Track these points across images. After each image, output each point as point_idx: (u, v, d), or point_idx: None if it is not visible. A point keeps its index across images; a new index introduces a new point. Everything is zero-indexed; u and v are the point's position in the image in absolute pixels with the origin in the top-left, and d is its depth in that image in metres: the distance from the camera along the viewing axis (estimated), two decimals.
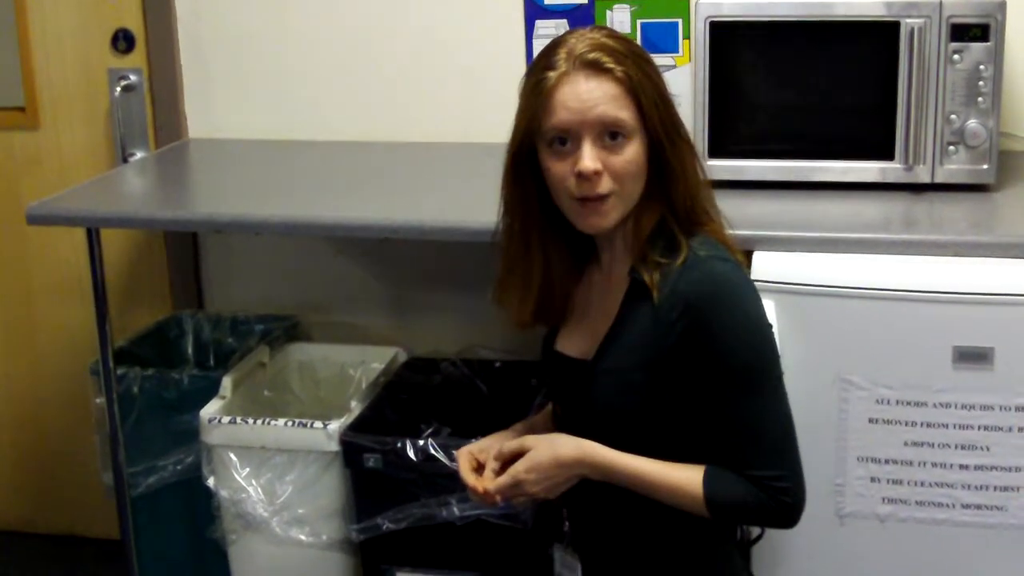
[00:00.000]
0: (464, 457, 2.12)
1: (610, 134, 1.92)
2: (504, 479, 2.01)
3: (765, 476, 1.92)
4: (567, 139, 1.93)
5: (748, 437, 1.93)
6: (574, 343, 2.10)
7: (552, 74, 1.92)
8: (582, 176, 1.91)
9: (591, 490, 2.02)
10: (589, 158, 1.91)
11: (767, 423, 1.94)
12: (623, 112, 1.92)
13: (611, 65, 1.92)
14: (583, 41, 1.94)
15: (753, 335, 1.94)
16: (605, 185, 1.92)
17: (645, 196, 1.98)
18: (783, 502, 1.92)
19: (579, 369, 2.05)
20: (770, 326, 1.98)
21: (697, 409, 1.95)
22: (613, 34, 1.98)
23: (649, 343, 1.95)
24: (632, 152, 1.93)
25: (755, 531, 2.23)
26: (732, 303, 1.93)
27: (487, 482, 2.03)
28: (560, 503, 2.14)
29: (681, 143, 1.98)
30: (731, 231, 2.07)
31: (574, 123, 1.91)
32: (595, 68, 1.92)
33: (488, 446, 2.12)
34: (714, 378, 1.92)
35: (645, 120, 1.93)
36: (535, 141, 1.97)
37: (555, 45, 1.96)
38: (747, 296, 1.95)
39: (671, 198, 1.98)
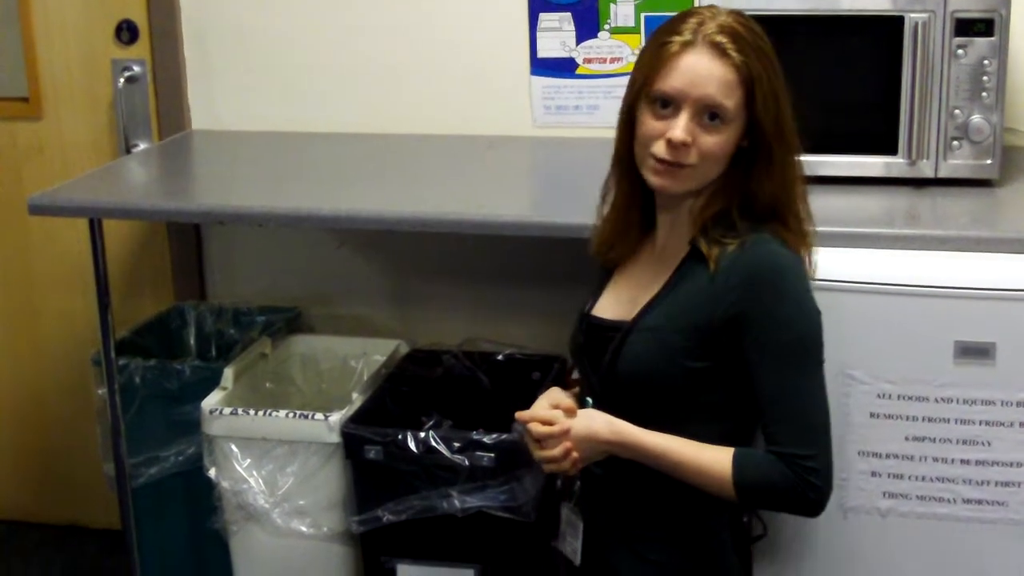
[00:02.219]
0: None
1: (710, 115, 1.98)
2: (547, 429, 2.09)
3: (796, 454, 1.97)
4: (669, 104, 1.99)
5: (785, 413, 1.98)
6: (611, 309, 2.15)
7: (677, 40, 1.99)
8: (671, 143, 1.97)
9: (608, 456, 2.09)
10: (682, 129, 1.97)
11: (806, 402, 2.00)
12: (729, 99, 1.98)
13: (733, 52, 1.97)
14: (715, 20, 2.00)
15: (806, 316, 2.01)
16: (691, 157, 1.99)
17: (723, 182, 2.04)
18: (812, 484, 1.97)
19: (615, 330, 2.09)
20: (819, 313, 2.03)
21: (732, 380, 2.01)
22: (745, 21, 2.03)
23: (699, 309, 2.01)
24: (724, 138, 2.00)
25: (758, 528, 2.24)
26: (790, 282, 2.00)
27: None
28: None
29: (782, 145, 2.03)
30: (813, 242, 2.12)
31: (681, 93, 1.98)
32: (717, 49, 1.98)
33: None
34: (763, 351, 1.98)
35: (750, 112, 1.99)
36: (641, 96, 2.02)
37: (689, 13, 2.03)
38: (803, 280, 2.03)
39: (750, 191, 2.04)
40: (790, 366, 1.99)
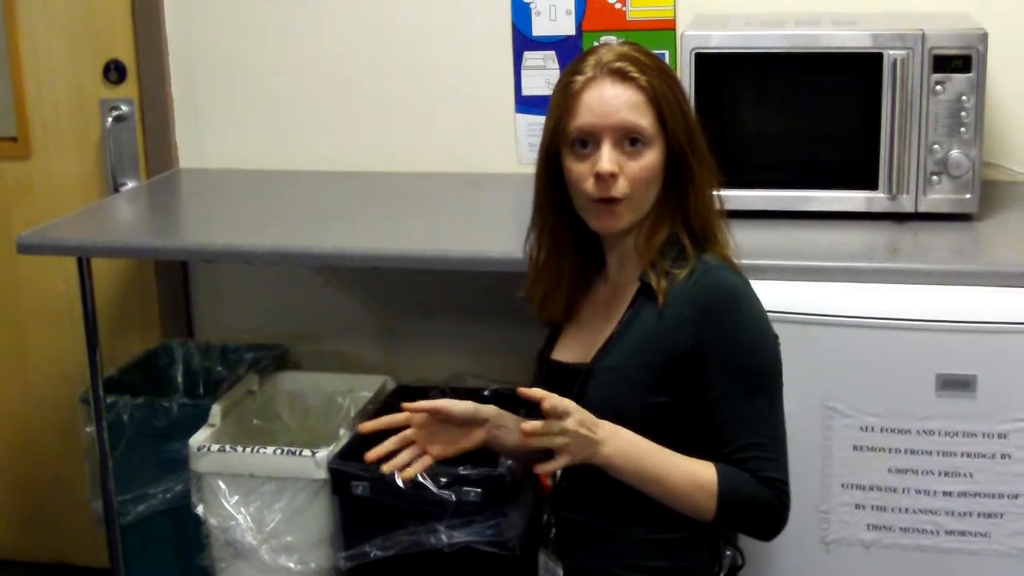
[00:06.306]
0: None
1: (630, 140, 2.00)
2: (559, 401, 1.93)
3: (777, 479, 1.99)
4: (589, 141, 2.01)
5: (760, 439, 1.99)
6: (570, 352, 2.15)
7: (580, 78, 2.02)
8: (600, 177, 1.99)
9: (578, 494, 2.09)
10: (608, 160, 1.99)
11: (773, 427, 2.01)
12: (644, 119, 2.00)
13: (636, 74, 2.00)
14: (612, 51, 2.04)
15: (763, 340, 2.03)
16: (621, 188, 2.00)
17: (659, 206, 2.06)
18: (786, 507, 2.00)
19: (576, 373, 2.08)
20: (776, 336, 2.05)
21: (697, 412, 2.00)
22: (641, 48, 2.06)
23: (653, 344, 2.00)
24: (649, 159, 2.01)
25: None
26: (745, 308, 2.02)
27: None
28: (548, 509, 2.19)
29: (700, 159, 2.05)
30: (738, 260, 2.11)
31: (596, 126, 2.00)
32: (620, 75, 2.01)
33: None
34: (725, 379, 1.98)
35: (666, 130, 2.01)
36: (559, 143, 2.04)
37: (586, 54, 2.06)
38: (757, 305, 2.04)
39: (685, 210, 2.06)
40: (756, 393, 1.99)
